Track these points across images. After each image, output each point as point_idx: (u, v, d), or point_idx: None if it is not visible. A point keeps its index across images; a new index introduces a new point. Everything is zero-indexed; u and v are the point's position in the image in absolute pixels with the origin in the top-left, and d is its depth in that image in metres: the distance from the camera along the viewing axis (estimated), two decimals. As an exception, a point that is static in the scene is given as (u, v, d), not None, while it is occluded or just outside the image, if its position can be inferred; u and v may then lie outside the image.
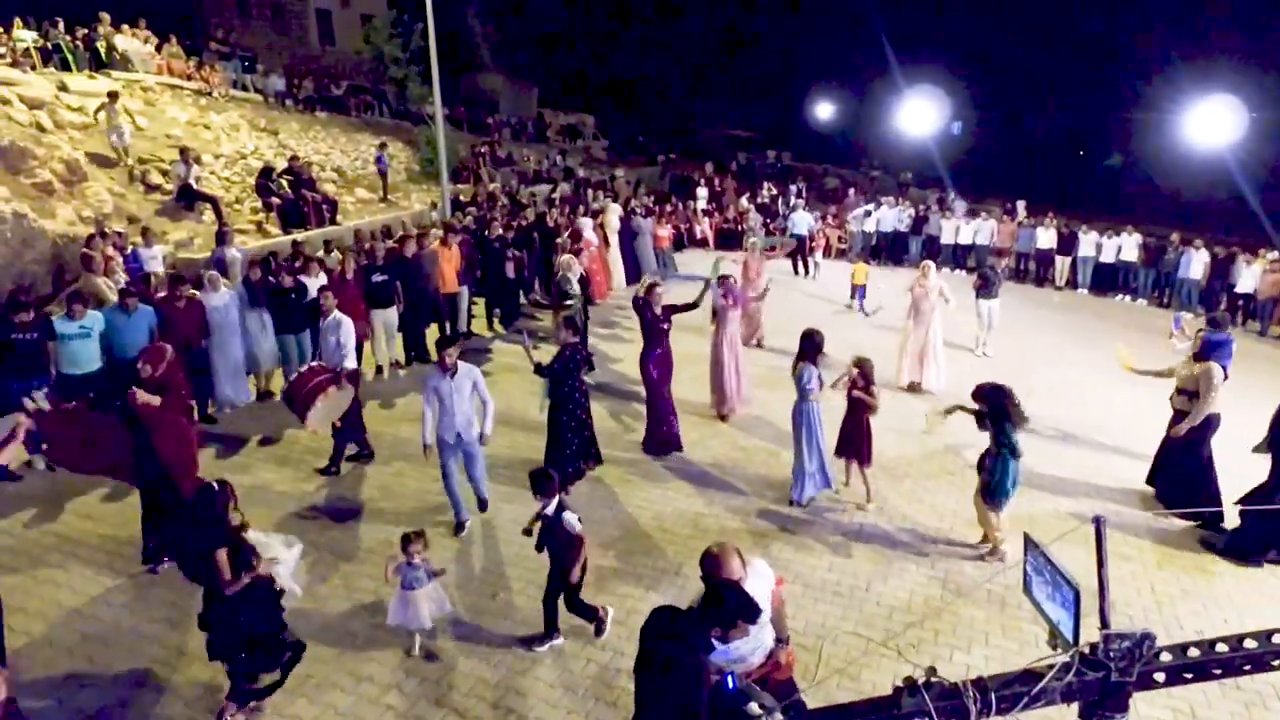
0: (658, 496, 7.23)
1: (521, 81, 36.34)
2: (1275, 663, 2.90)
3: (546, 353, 7.65)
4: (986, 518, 6.32)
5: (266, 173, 14.85)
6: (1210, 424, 6.96)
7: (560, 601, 5.10)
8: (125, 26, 18.33)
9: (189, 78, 19.03)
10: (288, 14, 32.70)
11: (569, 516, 4.93)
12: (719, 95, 38.58)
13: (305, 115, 21.50)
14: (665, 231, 17.77)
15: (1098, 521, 3.00)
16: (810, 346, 6.88)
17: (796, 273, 18.00)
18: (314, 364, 7.22)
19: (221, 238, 11.09)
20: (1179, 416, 7.12)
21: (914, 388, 10.13)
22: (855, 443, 7.01)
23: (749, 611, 3.16)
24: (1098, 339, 13.32)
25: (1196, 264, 16.45)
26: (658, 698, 3.23)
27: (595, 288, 13.64)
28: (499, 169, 22.69)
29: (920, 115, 20.69)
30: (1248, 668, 2.90)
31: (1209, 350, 7.08)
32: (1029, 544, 3.46)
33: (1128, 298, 17.96)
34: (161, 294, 8.56)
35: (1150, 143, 25.07)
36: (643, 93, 38.38)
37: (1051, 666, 2.95)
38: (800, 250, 18.27)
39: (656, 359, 8.15)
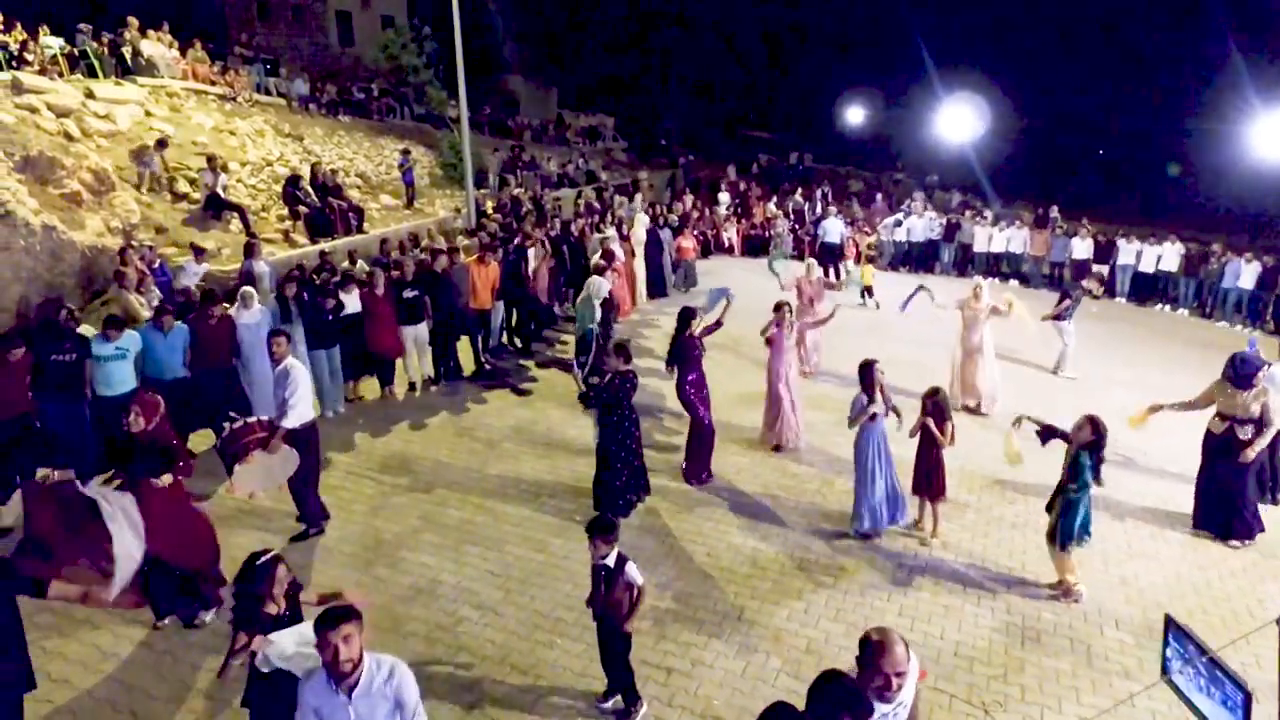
0: (710, 530, 6.93)
1: (541, 83, 36.12)
2: None
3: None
4: (1062, 562, 5.99)
5: (294, 181, 14.66)
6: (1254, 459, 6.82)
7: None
8: (150, 31, 18.20)
9: (213, 83, 18.87)
10: (308, 15, 32.62)
11: (633, 568, 4.54)
12: (742, 96, 38.21)
13: (329, 119, 21.32)
14: (689, 243, 17.41)
15: (1283, 624, 2.69)
16: (864, 376, 6.61)
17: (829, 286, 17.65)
18: (259, 419, 6.37)
19: (250, 250, 10.89)
20: (1240, 445, 6.79)
21: (972, 410, 9.78)
22: (930, 479, 6.70)
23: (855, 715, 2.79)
24: (1140, 354, 12.96)
25: (1247, 273, 15.99)
26: None
27: (620, 305, 13.19)
28: (523, 173, 22.44)
29: (959, 121, 20.24)
30: None
31: (1252, 372, 6.74)
32: (1173, 627, 3.15)
33: (1168, 307, 17.51)
34: (193, 312, 8.34)
35: (1209, 152, 24.46)
36: (663, 93, 38.03)
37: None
38: (832, 259, 17.90)
39: (694, 383, 7.87)
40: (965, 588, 6.19)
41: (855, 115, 31.59)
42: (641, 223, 15.85)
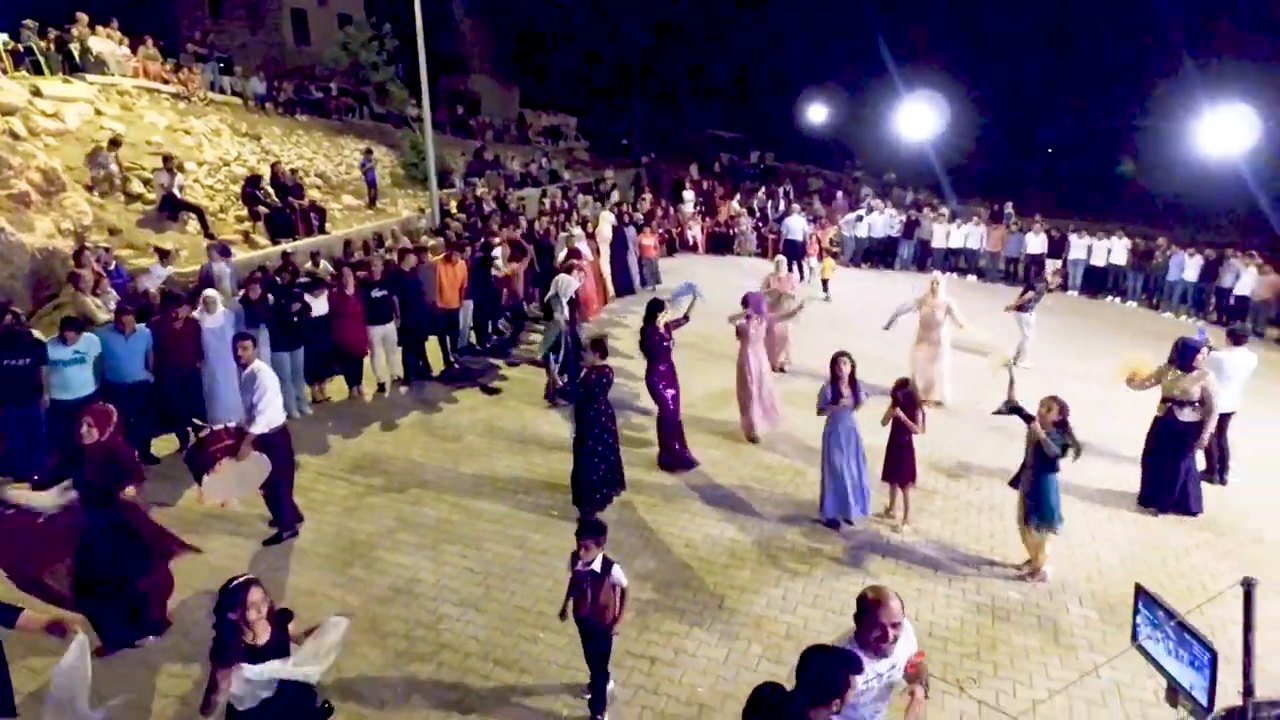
0: (687, 522, 7.00)
1: (503, 82, 35.91)
2: None
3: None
4: (1039, 544, 6.17)
5: (253, 181, 14.37)
6: (1194, 434, 7.14)
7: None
8: (100, 28, 17.66)
9: (166, 81, 18.39)
10: (262, 13, 31.93)
11: (619, 571, 4.49)
12: (703, 96, 38.42)
13: (287, 119, 20.93)
14: (651, 240, 17.42)
15: (1248, 585, 2.84)
16: (831, 368, 6.73)
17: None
18: (225, 426, 6.31)
19: (223, 250, 10.70)
20: (1172, 426, 7.13)
21: (930, 402, 10.02)
22: (899, 465, 6.85)
23: (841, 683, 2.83)
24: (1093, 346, 13.40)
25: (1190, 266, 16.63)
26: None
27: (586, 304, 13.11)
28: (487, 172, 22.29)
29: (915, 118, 20.67)
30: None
31: (1192, 355, 7.11)
32: (1142, 595, 3.29)
33: (1117, 299, 18.14)
34: (155, 315, 8.15)
35: (1155, 150, 25.34)
36: (624, 93, 38.07)
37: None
38: (795, 256, 18.13)
39: (663, 375, 7.98)
40: (936, 571, 6.35)
41: (816, 114, 32.00)
42: (608, 221, 15.86)
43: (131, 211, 13.21)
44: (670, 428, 8.06)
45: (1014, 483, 6.44)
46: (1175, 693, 3.11)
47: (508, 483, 7.66)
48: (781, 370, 10.95)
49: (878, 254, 20.75)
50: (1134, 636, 3.33)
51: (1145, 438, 7.47)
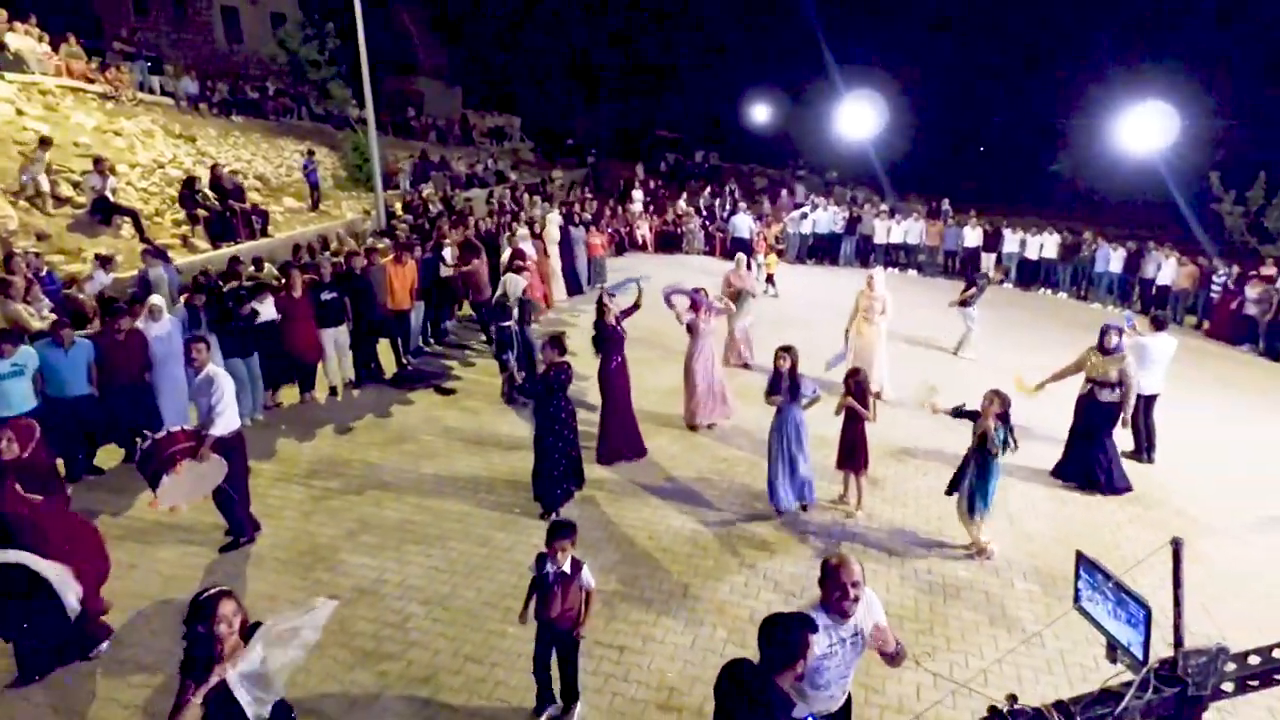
0: (649, 514, 7.11)
1: (445, 83, 35.50)
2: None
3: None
4: (975, 527, 6.49)
5: (190, 183, 13.96)
6: (1114, 414, 7.56)
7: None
8: (17, 24, 16.88)
9: (92, 80, 17.67)
10: (190, 10, 30.88)
11: (588, 572, 4.48)
12: (646, 96, 38.67)
13: (221, 119, 20.34)
14: (599, 239, 17.45)
15: (1176, 544, 3.08)
16: (775, 362, 6.89)
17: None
18: (182, 428, 6.16)
19: (152, 255, 10.36)
20: (1092, 406, 7.56)
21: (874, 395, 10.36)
22: (853, 453, 7.08)
23: (799, 647, 2.96)
24: (1026, 337, 14.02)
25: (1115, 258, 17.49)
26: None
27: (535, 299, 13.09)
28: (433, 173, 22.04)
29: (854, 117, 21.23)
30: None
31: (1114, 339, 7.58)
32: (1083, 561, 3.52)
33: (1049, 291, 18.97)
34: (96, 326, 7.88)
35: (1082, 146, 26.53)
36: (567, 93, 38.07)
37: (1127, 685, 3.00)
38: (744, 253, 18.41)
39: (618, 367, 8.08)
40: (889, 554, 6.61)
41: (759, 114, 32.53)
42: (554, 221, 15.84)
43: (60, 216, 12.69)
44: (622, 419, 8.14)
45: (951, 490, 6.66)
46: (1114, 650, 3.33)
47: (468, 482, 7.65)
48: (746, 366, 11.16)
49: (822, 250, 21.23)
50: (1076, 600, 3.54)
51: (1073, 417, 7.91)
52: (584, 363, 8.75)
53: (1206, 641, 2.98)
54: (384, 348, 10.85)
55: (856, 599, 3.29)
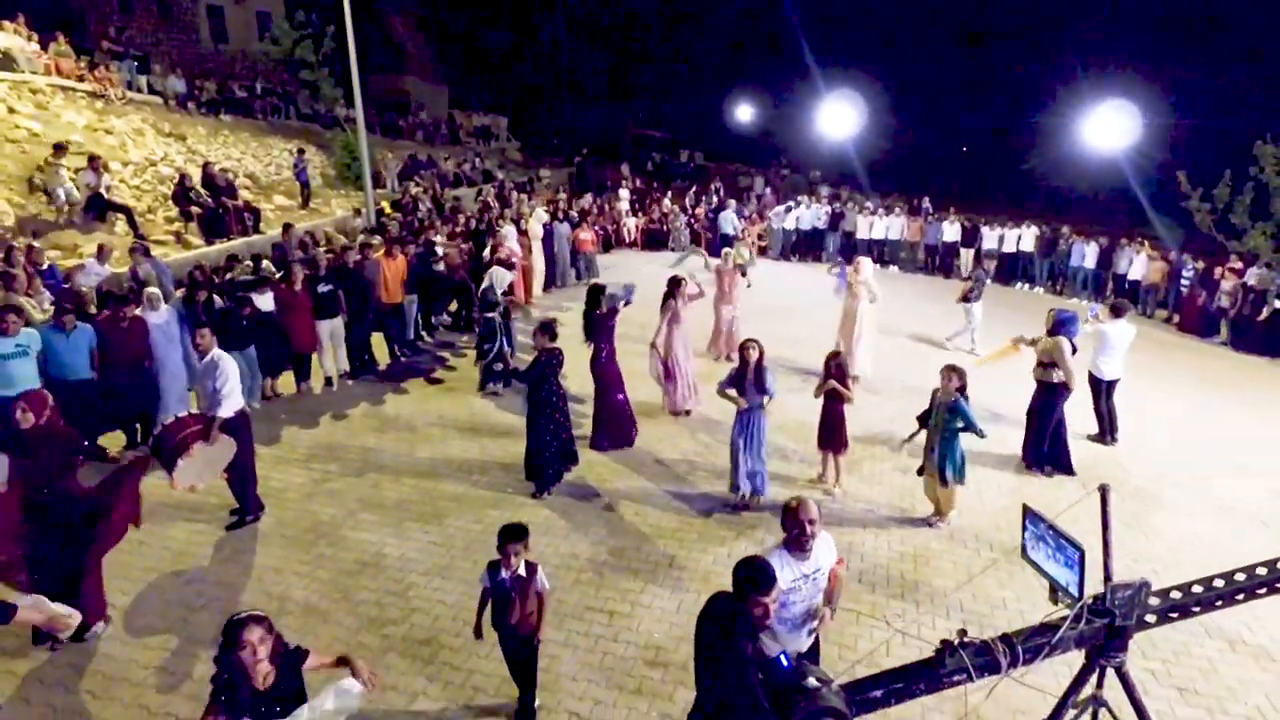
0: (637, 493, 7.44)
1: (432, 82, 35.68)
2: (1240, 597, 3.42)
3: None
4: (947, 495, 6.86)
5: (182, 181, 14.16)
6: (1061, 394, 7.86)
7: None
8: (6, 23, 17.01)
9: (81, 78, 17.81)
10: (175, 10, 30.90)
11: (543, 575, 4.42)
12: (633, 96, 39.00)
13: (210, 119, 20.50)
14: (587, 235, 17.60)
15: (1103, 490, 3.45)
16: (741, 353, 7.01)
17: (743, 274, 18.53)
18: (191, 412, 6.49)
19: (140, 253, 10.60)
20: (1040, 386, 7.99)
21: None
22: (833, 434, 7.40)
23: (764, 577, 3.26)
24: (1010, 332, 14.44)
25: (1089, 253, 18.00)
26: (713, 682, 3.44)
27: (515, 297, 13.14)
28: (419, 172, 22.28)
29: (835, 117, 21.66)
30: (1219, 604, 3.41)
31: (1059, 327, 7.92)
32: (1028, 513, 3.90)
33: (1026, 285, 19.44)
34: (104, 313, 8.13)
35: (1052, 144, 27.16)
36: (555, 94, 38.34)
37: (1064, 619, 3.37)
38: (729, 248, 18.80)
39: (608, 356, 8.42)
40: (865, 526, 6.98)
41: (743, 114, 32.93)
42: (538, 218, 16.01)
43: (53, 213, 12.88)
44: (614, 408, 8.46)
45: (921, 472, 7.02)
46: (1055, 591, 3.71)
47: (462, 465, 7.96)
48: (729, 359, 11.48)
49: (805, 246, 21.64)
50: (1023, 551, 3.92)
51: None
52: (572, 353, 9.03)
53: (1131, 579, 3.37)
54: (378, 341, 11.13)
55: (814, 535, 3.70)
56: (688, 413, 9.37)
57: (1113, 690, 3.57)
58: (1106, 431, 8.91)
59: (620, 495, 7.40)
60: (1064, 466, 8.11)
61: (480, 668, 5.02)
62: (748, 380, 6.89)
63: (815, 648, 4.07)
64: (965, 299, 12.57)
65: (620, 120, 38.66)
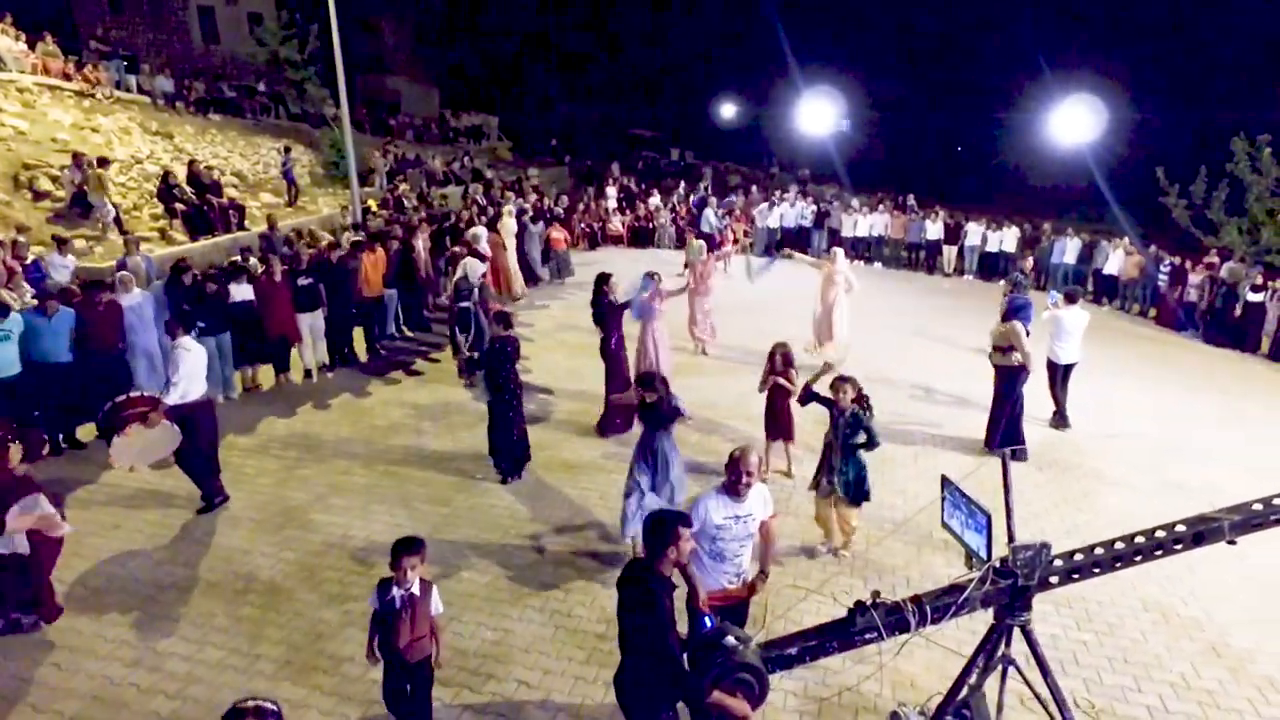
0: (602, 480, 7.59)
1: (423, 82, 35.85)
2: (1138, 559, 3.60)
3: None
4: (847, 515, 6.21)
5: (167, 178, 14.33)
6: (1020, 376, 8.01)
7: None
8: (-6, 23, 17.18)
9: (69, 77, 17.97)
10: (166, 11, 31.06)
11: (437, 594, 4.11)
12: (622, 96, 39.21)
13: (198, 118, 20.66)
14: (560, 233, 17.32)
15: (1004, 456, 3.64)
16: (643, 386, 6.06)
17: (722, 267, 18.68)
18: (143, 393, 6.46)
19: (133, 241, 10.79)
20: (998, 371, 8.16)
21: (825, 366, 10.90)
22: (778, 423, 7.50)
23: (668, 530, 3.41)
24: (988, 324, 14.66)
25: (1070, 250, 18.20)
26: (635, 635, 3.62)
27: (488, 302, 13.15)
28: (407, 171, 22.44)
29: (817, 115, 21.86)
30: (1119, 565, 3.58)
31: (1013, 313, 8.11)
32: (945, 483, 4.09)
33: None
34: (79, 297, 8.30)
35: (1021, 139, 27.46)
36: (545, 94, 38.53)
37: (972, 580, 3.56)
38: (711, 247, 18.98)
39: (618, 342, 8.62)
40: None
41: (732, 113, 33.13)
42: (511, 215, 15.68)
43: (39, 209, 13.05)
44: (622, 393, 8.55)
45: (815, 485, 6.38)
46: (970, 557, 3.89)
47: (433, 453, 8.14)
48: (704, 353, 11.66)
49: (790, 243, 21.80)
50: (942, 519, 4.10)
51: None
52: (540, 350, 9.23)
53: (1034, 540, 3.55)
54: (359, 335, 11.29)
55: (749, 484, 4.00)
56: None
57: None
58: (1062, 416, 9.11)
59: (586, 482, 7.57)
60: (999, 443, 8.20)
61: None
62: (663, 411, 5.88)
63: (744, 609, 4.29)
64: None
65: (612, 119, 38.85)
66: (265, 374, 10.13)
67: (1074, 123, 16.27)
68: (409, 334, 12.59)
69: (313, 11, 21.01)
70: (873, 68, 32.18)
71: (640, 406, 6.07)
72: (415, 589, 3.95)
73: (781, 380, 7.31)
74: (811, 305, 11.56)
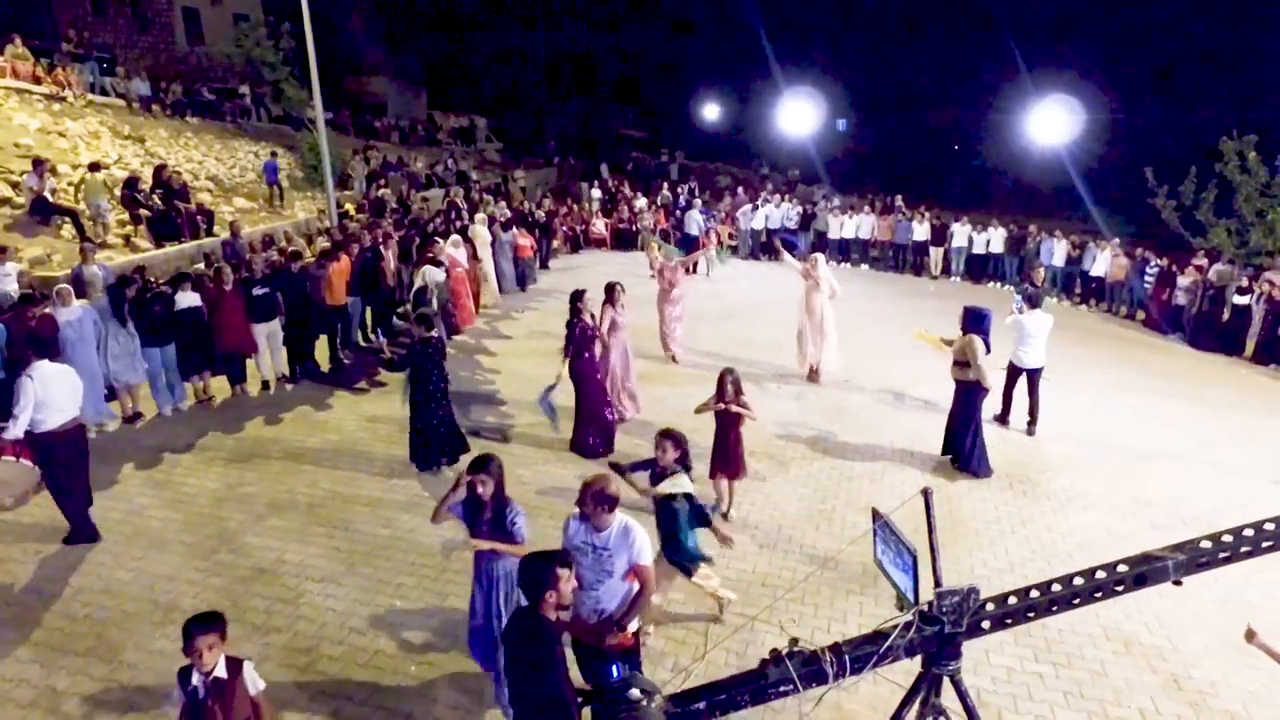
0: (558, 488, 7.34)
1: (409, 84, 35.60)
2: (1075, 602, 3.34)
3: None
4: (706, 577, 5.34)
5: (131, 183, 14.04)
6: (978, 394, 7.72)
7: None
8: (-39, 26, 16.90)
9: (39, 80, 17.70)
10: (149, 12, 30.76)
11: (252, 669, 3.57)
12: (613, 97, 39.00)
13: (174, 121, 20.38)
14: (526, 241, 16.75)
15: (926, 494, 3.37)
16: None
17: (688, 271, 18.42)
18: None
19: (82, 254, 10.50)
20: (958, 386, 7.88)
21: (813, 373, 10.66)
22: (727, 458, 6.74)
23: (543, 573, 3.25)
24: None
25: (1058, 251, 17.96)
26: (525, 686, 3.40)
27: (461, 314, 12.67)
28: (389, 173, 22.17)
29: (799, 115, 21.62)
30: (1055, 609, 3.32)
31: (971, 324, 7.75)
32: (876, 516, 3.81)
33: (997, 284, 19.40)
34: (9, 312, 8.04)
35: (1001, 140, 27.35)
36: (534, 94, 38.28)
37: (896, 626, 3.29)
38: (691, 248, 18.73)
39: (587, 361, 8.26)
40: (779, 528, 6.88)
41: (723, 114, 32.96)
42: (483, 223, 15.34)
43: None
44: (592, 412, 8.26)
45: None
46: (901, 598, 3.63)
47: (385, 466, 7.87)
48: (675, 360, 11.37)
49: (775, 247, 21.56)
50: (875, 557, 3.83)
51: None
52: (503, 360, 8.95)
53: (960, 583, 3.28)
54: (321, 343, 11.03)
55: (597, 516, 3.84)
56: (622, 419, 9.22)
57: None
58: (1026, 422, 8.90)
59: (554, 489, 7.36)
60: (968, 466, 7.95)
61: (354, 675, 4.93)
62: (482, 520, 4.44)
63: (635, 653, 4.07)
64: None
65: (602, 120, 38.62)
66: (220, 385, 9.87)
67: (1055, 123, 16.06)
68: (376, 342, 12.31)
69: (291, 12, 20.79)
70: (863, 73, 31.99)
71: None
72: (221, 671, 3.42)
73: (736, 407, 6.59)
74: (796, 318, 10.96)
